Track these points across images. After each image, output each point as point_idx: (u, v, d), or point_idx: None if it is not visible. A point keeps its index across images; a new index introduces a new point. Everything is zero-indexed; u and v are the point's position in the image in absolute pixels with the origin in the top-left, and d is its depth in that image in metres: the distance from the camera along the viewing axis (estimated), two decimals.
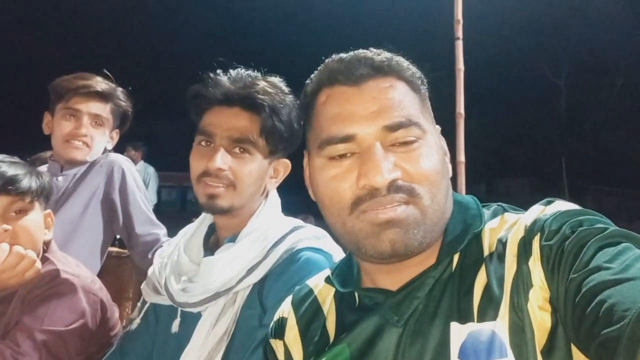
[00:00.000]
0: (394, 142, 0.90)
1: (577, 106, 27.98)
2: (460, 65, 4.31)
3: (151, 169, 8.73)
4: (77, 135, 2.22)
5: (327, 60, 1.01)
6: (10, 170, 1.52)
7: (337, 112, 0.93)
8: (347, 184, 0.90)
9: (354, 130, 0.91)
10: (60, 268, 1.54)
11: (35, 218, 1.57)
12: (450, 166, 1.02)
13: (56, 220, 2.15)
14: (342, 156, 0.92)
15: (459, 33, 4.34)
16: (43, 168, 2.25)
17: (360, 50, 0.99)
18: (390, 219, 0.87)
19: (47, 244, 1.64)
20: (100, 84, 2.27)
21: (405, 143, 0.90)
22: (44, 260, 1.58)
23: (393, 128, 0.90)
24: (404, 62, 0.99)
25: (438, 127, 1.03)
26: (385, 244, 0.87)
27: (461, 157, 4.17)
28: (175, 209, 26.83)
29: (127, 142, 8.65)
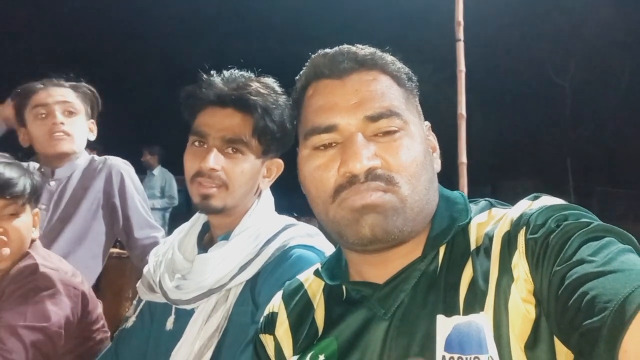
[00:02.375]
0: (375, 133, 0.92)
1: (582, 107, 27.85)
2: (462, 66, 4.32)
3: (169, 174, 8.57)
4: (55, 127, 2.19)
5: (313, 56, 1.03)
6: (6, 173, 1.54)
7: (321, 104, 0.96)
8: (330, 173, 0.92)
9: (336, 121, 0.93)
10: (39, 262, 1.56)
11: (26, 220, 1.60)
12: (439, 161, 1.03)
13: (62, 226, 2.17)
14: (326, 146, 0.94)
15: (460, 35, 4.35)
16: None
17: (345, 45, 1.00)
18: (367, 204, 0.88)
19: (32, 241, 1.66)
20: (54, 75, 2.25)
21: (387, 133, 0.92)
22: (26, 255, 1.60)
23: (374, 118, 0.92)
24: (389, 57, 1.00)
25: (427, 123, 1.04)
26: (365, 229, 0.88)
27: (463, 158, 4.18)
28: (182, 211, 26.92)
29: (144, 145, 8.51)
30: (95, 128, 2.40)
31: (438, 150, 1.04)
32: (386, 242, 0.90)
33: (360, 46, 1.00)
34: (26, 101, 2.21)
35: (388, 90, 0.95)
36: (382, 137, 0.92)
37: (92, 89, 2.37)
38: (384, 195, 0.88)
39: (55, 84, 2.23)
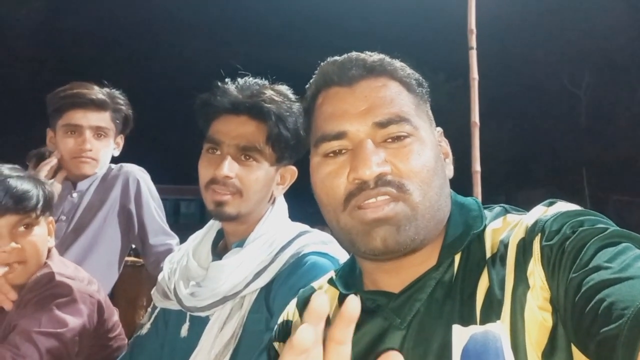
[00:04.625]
0: (385, 139, 0.92)
1: (597, 115, 27.67)
2: (475, 74, 4.30)
3: None
4: (83, 152, 2.19)
5: (322, 64, 1.03)
6: (19, 186, 1.54)
7: (331, 112, 0.96)
8: (341, 180, 0.92)
9: (346, 128, 0.92)
10: (55, 271, 1.57)
11: (41, 232, 1.60)
12: (451, 167, 1.02)
13: (76, 235, 2.18)
14: (336, 153, 0.94)
15: (473, 43, 4.33)
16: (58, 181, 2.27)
17: (354, 53, 1.00)
18: (379, 218, 0.88)
19: (48, 250, 1.67)
20: (96, 92, 2.22)
21: (397, 139, 0.91)
22: (43, 265, 1.61)
23: (383, 124, 0.91)
24: (398, 63, 1.00)
25: (439, 129, 1.04)
26: (376, 241, 0.88)
27: (477, 166, 4.15)
28: (195, 221, 27.06)
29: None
30: (122, 143, 2.40)
31: (451, 156, 1.04)
32: (398, 252, 0.89)
33: (369, 53, 1.00)
34: (60, 114, 2.20)
35: (397, 96, 0.95)
36: (392, 143, 0.91)
37: (129, 107, 2.36)
38: (395, 206, 0.88)
39: (96, 106, 2.21)
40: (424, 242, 0.91)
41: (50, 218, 1.68)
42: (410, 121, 0.92)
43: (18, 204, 1.52)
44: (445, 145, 1.04)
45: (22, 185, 1.55)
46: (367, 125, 0.92)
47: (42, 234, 1.61)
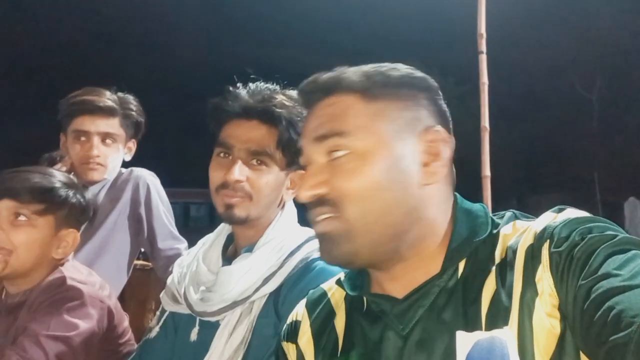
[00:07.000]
0: (329, 158, 0.94)
1: (609, 120, 27.51)
2: (485, 79, 4.28)
3: None
4: (90, 158, 2.20)
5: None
6: (31, 178, 1.54)
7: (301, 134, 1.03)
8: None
9: (304, 150, 0.99)
10: (66, 275, 1.57)
11: (37, 230, 1.55)
12: (444, 170, 0.94)
13: (86, 239, 2.19)
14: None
15: (483, 47, 4.31)
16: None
17: (317, 74, 1.02)
18: (319, 232, 0.95)
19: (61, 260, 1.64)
20: (105, 99, 2.22)
21: (337, 157, 0.93)
22: (54, 270, 1.61)
23: (319, 139, 0.95)
24: (357, 73, 0.97)
25: (438, 128, 0.95)
26: (323, 253, 0.96)
27: (486, 171, 4.13)
28: (204, 224, 27.17)
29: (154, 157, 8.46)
30: (134, 147, 2.42)
31: (445, 158, 0.94)
32: (349, 265, 0.96)
33: (336, 69, 1.00)
34: (70, 120, 2.22)
35: (343, 111, 0.94)
36: (334, 162, 0.93)
37: (141, 112, 2.37)
38: (330, 222, 0.92)
39: (104, 112, 2.21)
40: (377, 256, 0.93)
41: (71, 230, 1.64)
42: (346, 134, 0.91)
43: (13, 192, 1.52)
44: (441, 146, 0.94)
45: (40, 178, 1.56)
46: (311, 144, 0.96)
47: (38, 232, 1.55)
